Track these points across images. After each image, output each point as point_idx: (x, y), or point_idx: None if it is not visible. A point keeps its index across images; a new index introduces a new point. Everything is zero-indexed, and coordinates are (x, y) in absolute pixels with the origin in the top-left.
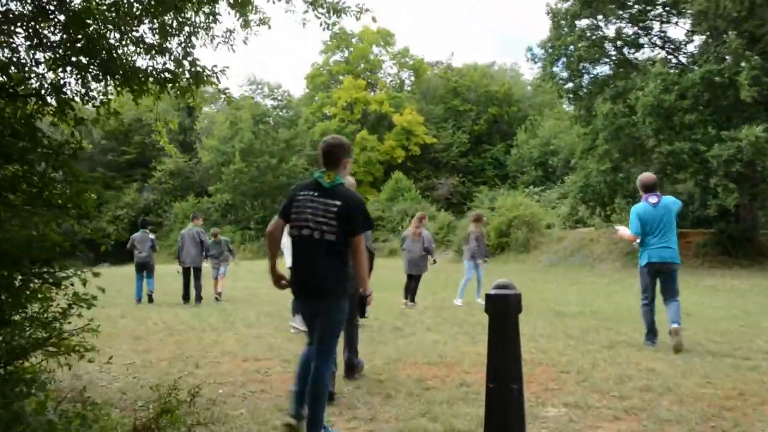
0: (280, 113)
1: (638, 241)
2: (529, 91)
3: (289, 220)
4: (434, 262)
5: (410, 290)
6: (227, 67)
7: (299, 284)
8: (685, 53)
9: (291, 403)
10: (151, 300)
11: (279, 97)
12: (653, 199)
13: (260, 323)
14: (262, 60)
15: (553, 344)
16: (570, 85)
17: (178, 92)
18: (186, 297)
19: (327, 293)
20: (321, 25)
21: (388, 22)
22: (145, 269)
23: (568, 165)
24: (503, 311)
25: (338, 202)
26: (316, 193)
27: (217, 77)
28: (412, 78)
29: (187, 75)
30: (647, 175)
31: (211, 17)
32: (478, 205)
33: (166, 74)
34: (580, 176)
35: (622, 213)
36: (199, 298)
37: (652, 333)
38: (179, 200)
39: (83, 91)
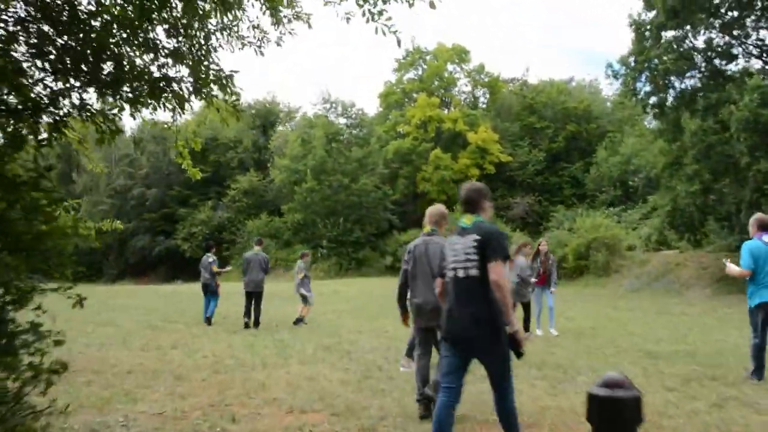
0: (353, 132)
1: (748, 277)
2: (609, 107)
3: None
4: (532, 290)
5: (523, 320)
6: (236, 71)
7: (453, 326)
8: None
9: None
10: (209, 323)
11: (352, 116)
12: (767, 238)
13: (316, 359)
14: (335, 78)
15: (651, 398)
16: (654, 99)
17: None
18: (248, 322)
19: (487, 330)
20: (365, 15)
21: (462, 38)
22: (207, 291)
23: (650, 184)
24: (615, 420)
25: (476, 236)
26: (459, 237)
27: (231, 83)
28: (487, 95)
29: (211, 83)
30: (763, 216)
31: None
32: (554, 225)
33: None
34: (666, 199)
35: (712, 237)
36: (257, 323)
37: (759, 370)
38: (252, 218)
39: (85, 104)
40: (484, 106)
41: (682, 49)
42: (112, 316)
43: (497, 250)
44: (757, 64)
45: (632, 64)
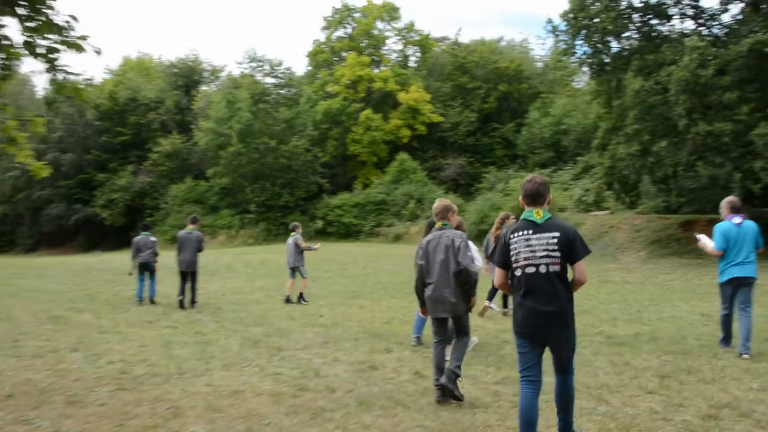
0: (281, 92)
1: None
2: (540, 67)
3: (509, 266)
4: None
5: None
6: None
7: (534, 320)
8: (720, 24)
9: None
10: (153, 302)
11: (280, 75)
12: (737, 220)
13: (242, 360)
14: (261, 36)
15: (633, 409)
16: (592, 59)
17: None
18: (182, 300)
19: (566, 323)
20: None
21: None
22: (147, 271)
23: (581, 145)
24: None
25: (556, 233)
26: (530, 231)
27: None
28: (418, 54)
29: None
30: (734, 199)
31: None
32: (486, 186)
33: None
34: (605, 158)
35: (644, 198)
36: (194, 303)
37: (728, 338)
38: (176, 183)
39: None
40: (415, 65)
41: (620, 8)
42: (7, 306)
43: (582, 251)
44: (692, 25)
45: (573, 21)
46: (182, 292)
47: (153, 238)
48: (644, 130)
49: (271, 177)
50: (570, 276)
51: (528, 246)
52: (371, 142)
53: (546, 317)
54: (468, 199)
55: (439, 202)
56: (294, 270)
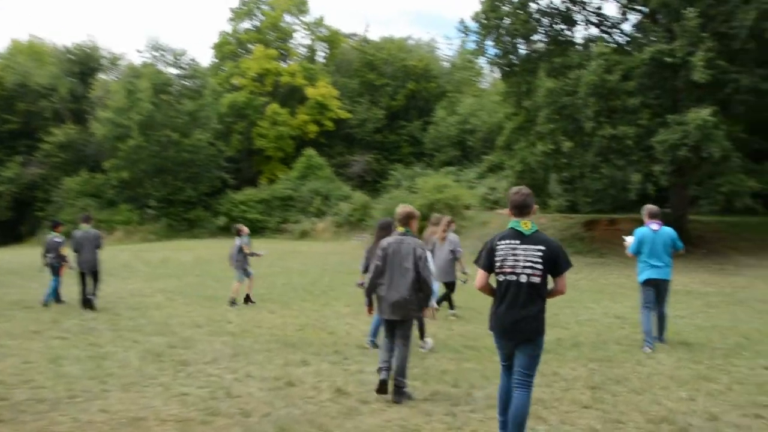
0: (185, 83)
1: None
2: (447, 67)
3: (492, 270)
4: (464, 281)
5: (447, 298)
6: None
7: (505, 324)
8: (622, 33)
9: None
10: (46, 304)
11: (184, 65)
12: (655, 226)
13: (143, 377)
14: (164, 25)
15: (571, 427)
16: (502, 60)
17: None
18: (86, 301)
19: (535, 332)
20: None
21: None
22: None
23: (487, 144)
24: None
25: (542, 247)
26: (518, 242)
27: None
28: (327, 50)
29: None
30: (652, 207)
31: None
32: (393, 184)
33: None
34: (515, 160)
35: (560, 199)
36: (91, 303)
37: (650, 336)
38: (70, 175)
39: None
40: (323, 60)
41: (529, 11)
42: None
43: (565, 265)
44: (596, 32)
45: (484, 22)
46: (84, 294)
47: (58, 239)
48: (557, 130)
49: (173, 171)
50: (550, 286)
51: (514, 255)
52: (277, 137)
53: (518, 324)
54: (375, 196)
55: (402, 209)
56: (240, 272)
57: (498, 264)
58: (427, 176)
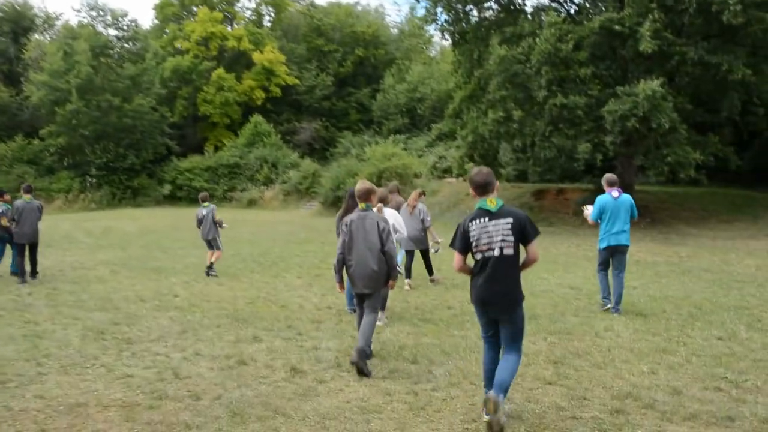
0: (125, 45)
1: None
2: (396, 34)
3: (468, 251)
4: (436, 249)
5: (426, 266)
6: None
7: (486, 297)
8: (572, 1)
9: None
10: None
11: (124, 27)
12: (615, 194)
13: (85, 357)
14: None
15: (537, 405)
16: (453, 27)
17: None
18: (22, 273)
19: (515, 303)
20: None
21: None
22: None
23: (435, 112)
24: None
25: (510, 219)
26: (486, 218)
27: None
28: (273, 14)
29: None
30: (612, 175)
31: None
32: (341, 151)
33: None
34: (467, 129)
35: (509, 168)
36: (34, 274)
37: (608, 295)
38: (5, 141)
39: None
40: (270, 25)
41: None
42: None
43: (533, 232)
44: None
45: None
46: (22, 267)
47: (36, 202)
48: (508, 98)
49: (115, 137)
50: (523, 257)
51: (486, 232)
52: (223, 103)
53: (498, 295)
54: (323, 165)
55: (362, 185)
56: (211, 242)
57: (474, 244)
58: (377, 145)
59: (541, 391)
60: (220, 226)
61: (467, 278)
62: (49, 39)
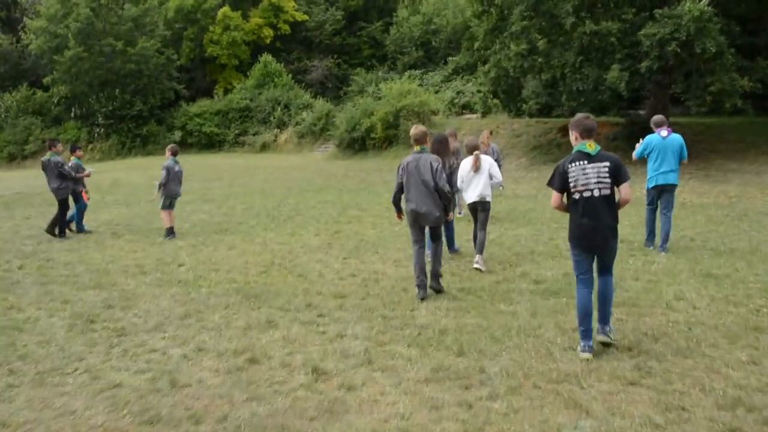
0: None
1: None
2: None
3: (565, 190)
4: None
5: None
6: None
7: (587, 234)
8: None
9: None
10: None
11: None
12: (664, 133)
13: (67, 360)
14: None
15: (624, 420)
16: None
17: None
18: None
19: (614, 235)
20: None
21: None
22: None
23: (451, 46)
24: None
25: (607, 163)
26: (585, 161)
27: None
28: None
29: None
30: (659, 116)
31: None
32: (355, 90)
33: None
34: (489, 65)
35: (531, 102)
36: (62, 233)
37: (651, 235)
38: (10, 92)
39: None
40: None
41: None
42: None
43: (625, 175)
44: None
45: None
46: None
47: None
48: (532, 28)
49: (120, 84)
50: (617, 197)
51: (584, 174)
52: (231, 43)
53: (600, 231)
54: (337, 104)
55: (418, 129)
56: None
57: (572, 184)
58: (392, 81)
59: (623, 397)
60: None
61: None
62: None
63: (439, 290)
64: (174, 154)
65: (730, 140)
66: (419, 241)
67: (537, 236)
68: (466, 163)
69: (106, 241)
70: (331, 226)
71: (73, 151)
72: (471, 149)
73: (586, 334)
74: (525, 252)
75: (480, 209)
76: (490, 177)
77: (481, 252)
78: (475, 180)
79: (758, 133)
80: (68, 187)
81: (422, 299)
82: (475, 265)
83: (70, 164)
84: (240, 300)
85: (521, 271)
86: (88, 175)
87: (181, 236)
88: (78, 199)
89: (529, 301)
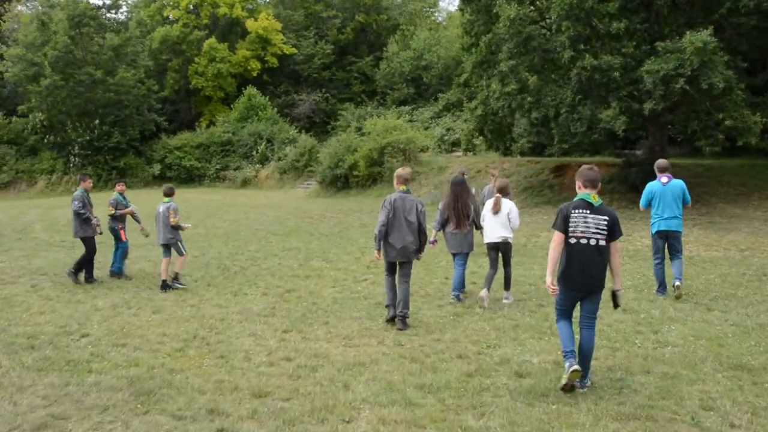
0: (108, 15)
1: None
2: None
3: (566, 233)
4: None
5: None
6: None
7: (578, 278)
8: None
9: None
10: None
11: None
12: (664, 179)
13: None
14: None
15: None
16: None
17: None
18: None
19: (601, 285)
20: None
21: None
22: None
23: (442, 82)
24: None
25: (607, 217)
26: (588, 211)
27: None
28: None
29: None
30: (662, 161)
31: None
32: (343, 125)
33: None
34: (476, 101)
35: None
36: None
37: (662, 286)
38: None
39: None
40: None
41: None
42: None
43: (620, 232)
44: None
45: None
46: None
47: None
48: (521, 66)
49: (99, 114)
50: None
51: (585, 222)
52: (216, 75)
53: (590, 278)
54: (324, 139)
55: (404, 171)
56: (168, 247)
57: (571, 228)
58: (379, 117)
59: None
60: (179, 229)
61: None
62: (27, 10)
63: (401, 327)
64: (167, 195)
65: (732, 183)
66: (389, 272)
67: (524, 302)
68: (489, 204)
69: (17, 297)
70: (285, 282)
71: (81, 181)
72: (498, 191)
73: (572, 354)
74: (507, 326)
75: (502, 249)
76: (508, 219)
77: (507, 288)
78: (493, 221)
79: (760, 176)
80: (87, 226)
81: (389, 320)
82: (504, 300)
83: (111, 200)
84: (127, 398)
85: (500, 356)
86: (131, 213)
87: (108, 292)
88: (118, 237)
89: (507, 410)
